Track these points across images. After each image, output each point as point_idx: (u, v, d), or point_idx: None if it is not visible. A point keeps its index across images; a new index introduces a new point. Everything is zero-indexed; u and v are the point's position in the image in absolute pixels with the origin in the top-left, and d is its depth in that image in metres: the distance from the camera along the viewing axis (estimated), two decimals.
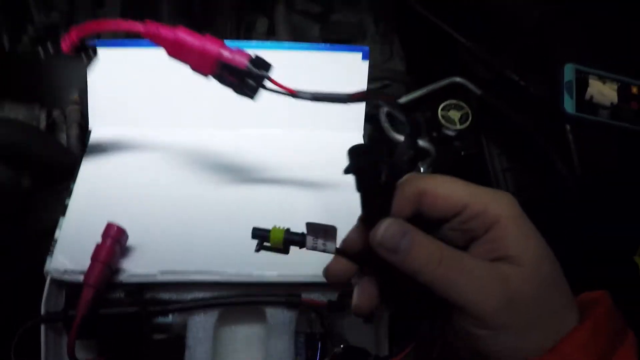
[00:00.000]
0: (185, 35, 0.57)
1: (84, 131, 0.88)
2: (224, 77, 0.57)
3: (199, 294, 0.64)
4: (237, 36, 0.97)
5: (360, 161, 0.44)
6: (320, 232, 0.47)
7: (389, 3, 1.01)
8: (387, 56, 0.97)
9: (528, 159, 0.88)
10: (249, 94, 0.57)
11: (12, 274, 0.78)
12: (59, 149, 0.80)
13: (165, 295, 0.64)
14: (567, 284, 0.43)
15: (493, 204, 0.44)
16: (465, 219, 0.44)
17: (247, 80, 0.56)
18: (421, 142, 0.85)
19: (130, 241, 0.63)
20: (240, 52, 0.57)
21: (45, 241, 0.71)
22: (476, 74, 0.91)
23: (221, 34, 0.95)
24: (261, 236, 0.51)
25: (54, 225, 0.71)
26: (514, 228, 0.43)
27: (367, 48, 0.78)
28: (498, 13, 0.94)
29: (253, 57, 0.57)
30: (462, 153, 0.87)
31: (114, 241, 0.60)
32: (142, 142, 0.76)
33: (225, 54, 0.56)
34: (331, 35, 1.00)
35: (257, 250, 0.52)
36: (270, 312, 0.65)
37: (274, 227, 0.49)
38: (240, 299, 0.64)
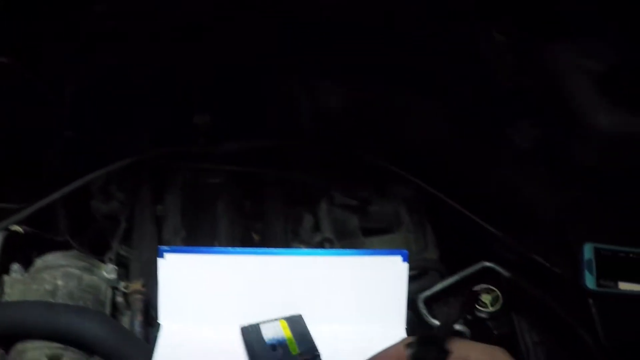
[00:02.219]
0: None
1: (147, 318, 0.95)
2: None
3: None
4: (285, 233, 1.06)
5: None
6: None
7: (420, 196, 1.10)
8: (421, 245, 1.05)
9: (557, 334, 0.93)
10: None
11: None
12: (131, 341, 0.87)
13: None
14: None
15: (493, 356, 0.58)
16: None
17: None
18: (456, 325, 0.91)
19: None
20: None
21: None
22: (504, 258, 0.98)
23: (271, 233, 1.06)
24: None
25: None
26: None
27: (406, 252, 0.85)
28: (519, 202, 1.03)
29: None
30: (495, 332, 0.93)
31: None
32: (210, 337, 0.82)
33: None
34: (369, 225, 1.09)
35: None
36: None
37: None
38: None
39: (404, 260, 0.86)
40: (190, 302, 0.85)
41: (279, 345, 0.79)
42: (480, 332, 0.92)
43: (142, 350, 0.85)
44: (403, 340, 0.62)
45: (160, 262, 0.84)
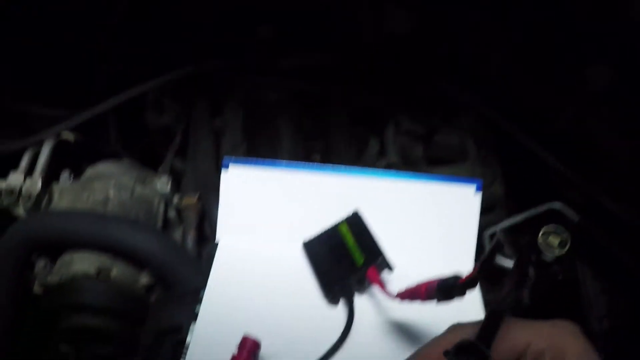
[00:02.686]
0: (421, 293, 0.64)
1: (200, 234, 0.93)
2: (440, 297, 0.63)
3: None
4: (348, 155, 1.02)
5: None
6: None
7: (489, 128, 1.05)
8: (489, 180, 1.00)
9: (621, 283, 0.90)
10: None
11: None
12: (183, 257, 0.86)
13: None
14: None
15: (556, 338, 0.48)
16: (532, 357, 0.48)
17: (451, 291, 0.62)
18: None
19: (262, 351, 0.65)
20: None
21: (161, 340, 0.76)
22: (572, 200, 0.94)
23: (335, 152, 1.02)
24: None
25: (172, 326, 0.75)
26: None
27: (480, 181, 0.81)
28: (592, 144, 0.98)
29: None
30: (560, 277, 0.90)
31: (250, 354, 0.63)
32: (270, 254, 0.80)
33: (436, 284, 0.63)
34: (435, 154, 1.04)
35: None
36: None
37: None
38: None
39: (478, 189, 0.82)
40: (250, 217, 0.82)
41: (343, 258, 0.76)
42: (545, 276, 0.89)
43: (194, 267, 0.84)
44: (442, 341, 0.53)
45: (224, 173, 0.81)
